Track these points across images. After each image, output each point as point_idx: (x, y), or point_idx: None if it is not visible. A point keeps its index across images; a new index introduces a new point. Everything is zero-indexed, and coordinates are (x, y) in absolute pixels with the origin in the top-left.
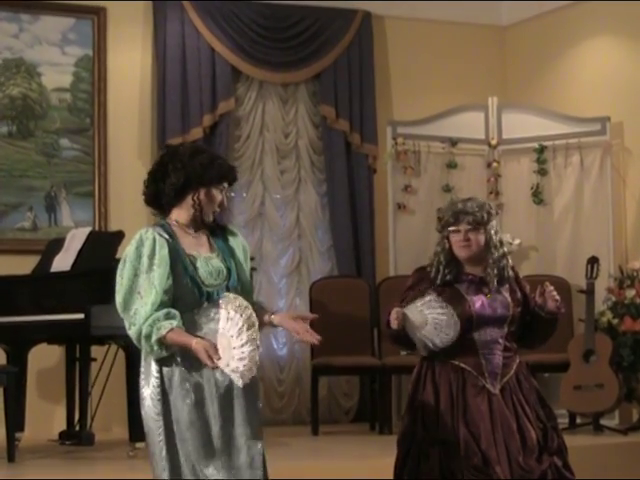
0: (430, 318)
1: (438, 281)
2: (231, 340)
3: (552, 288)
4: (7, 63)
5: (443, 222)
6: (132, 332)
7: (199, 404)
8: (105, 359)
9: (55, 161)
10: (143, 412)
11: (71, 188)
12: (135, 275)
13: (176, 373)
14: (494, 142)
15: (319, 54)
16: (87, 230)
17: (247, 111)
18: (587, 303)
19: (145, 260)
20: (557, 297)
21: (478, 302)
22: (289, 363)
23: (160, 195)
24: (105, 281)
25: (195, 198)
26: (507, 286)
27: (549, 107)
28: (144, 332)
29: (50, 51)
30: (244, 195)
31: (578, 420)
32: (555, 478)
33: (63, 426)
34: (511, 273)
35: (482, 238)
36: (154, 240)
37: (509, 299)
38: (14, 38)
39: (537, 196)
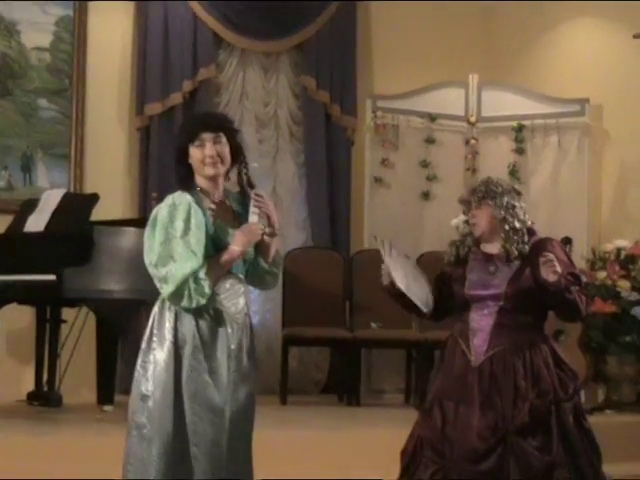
0: (410, 279)
1: (452, 259)
2: None
3: (551, 258)
4: None
5: (463, 204)
6: (166, 290)
7: (208, 373)
8: (76, 321)
9: (32, 121)
10: (150, 374)
11: (48, 149)
12: (167, 239)
13: (189, 342)
14: (473, 119)
15: (302, 24)
16: (62, 192)
17: (227, 78)
18: None
19: (180, 224)
20: (557, 269)
21: (474, 281)
22: (260, 332)
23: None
24: (79, 243)
25: (184, 161)
26: (517, 263)
27: (529, 87)
28: (190, 283)
29: (30, 9)
30: None
31: None
32: (513, 455)
33: (31, 387)
34: (525, 249)
35: (488, 214)
36: (189, 204)
37: (511, 275)
38: None
39: (514, 175)
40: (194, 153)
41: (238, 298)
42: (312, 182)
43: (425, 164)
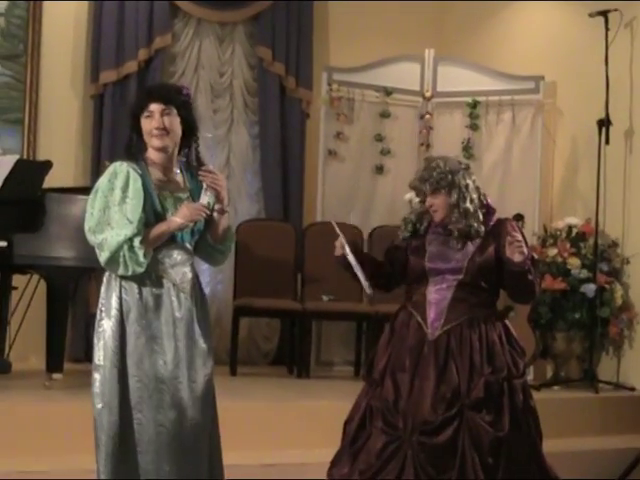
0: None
1: (406, 235)
2: None
3: (519, 239)
4: None
5: (415, 190)
6: (103, 257)
7: (152, 340)
8: (26, 288)
9: None
10: (101, 343)
11: (1, 114)
12: (106, 207)
13: (133, 309)
14: (428, 94)
15: None
16: (14, 158)
17: (183, 48)
18: None
19: (118, 192)
20: (524, 250)
21: (434, 253)
22: (211, 303)
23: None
24: (30, 210)
25: (132, 134)
26: (478, 240)
27: (485, 63)
28: (125, 250)
29: None
30: None
31: None
32: (467, 429)
33: None
34: (481, 228)
35: (444, 200)
36: (128, 173)
37: (471, 250)
38: None
39: (467, 151)
40: (143, 124)
41: (184, 268)
42: (266, 154)
43: (379, 138)
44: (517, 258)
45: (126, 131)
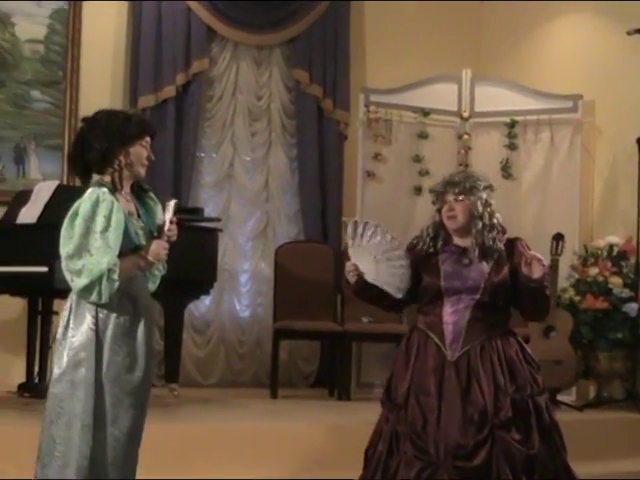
0: (382, 264)
1: (427, 248)
2: None
3: (539, 257)
4: None
5: (434, 194)
6: (78, 283)
7: (129, 358)
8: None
9: (25, 112)
10: (66, 353)
11: (41, 140)
12: (87, 233)
13: (110, 327)
14: (466, 114)
15: (295, 18)
16: (55, 183)
17: (220, 72)
18: (550, 279)
19: (101, 219)
20: (544, 262)
21: (449, 272)
22: (251, 325)
23: (88, 164)
24: None
25: (121, 158)
26: (493, 259)
27: (522, 82)
28: (104, 279)
29: (25, 2)
30: (214, 156)
31: None
32: (499, 450)
33: (22, 378)
34: (500, 246)
35: (467, 208)
36: (112, 202)
37: (487, 270)
38: None
39: (506, 170)
40: (139, 150)
41: (146, 283)
42: (304, 176)
43: (417, 159)
44: (537, 273)
45: (161, 155)
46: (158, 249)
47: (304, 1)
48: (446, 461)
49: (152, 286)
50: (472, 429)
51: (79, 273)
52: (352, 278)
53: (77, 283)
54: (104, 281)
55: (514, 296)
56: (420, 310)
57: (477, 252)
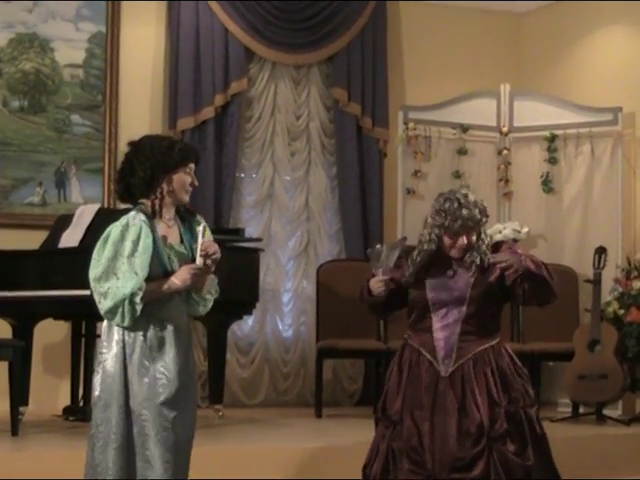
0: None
1: (411, 278)
2: None
3: (498, 260)
4: (21, 38)
5: (444, 224)
6: (104, 305)
7: (156, 381)
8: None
9: (66, 137)
10: (101, 376)
11: (81, 164)
12: (115, 257)
13: (137, 351)
14: (505, 129)
15: (332, 36)
16: (96, 207)
17: (259, 92)
18: (594, 293)
19: (128, 244)
20: (514, 248)
21: (435, 284)
22: (294, 344)
23: (132, 190)
24: None
25: (163, 185)
26: (474, 268)
27: (561, 96)
28: (126, 303)
29: (64, 27)
30: (254, 176)
31: (581, 410)
32: (497, 461)
33: (67, 401)
34: (488, 258)
35: (471, 241)
36: (140, 227)
37: (472, 280)
38: (28, 13)
39: (547, 185)
40: (183, 177)
41: (183, 306)
42: (344, 194)
43: (457, 175)
44: (506, 258)
45: (202, 176)
46: (184, 274)
47: (341, 20)
48: (443, 473)
49: (203, 309)
50: (469, 442)
51: (105, 295)
52: (379, 288)
53: (103, 305)
54: (127, 304)
55: (509, 293)
56: (410, 326)
57: (474, 267)
